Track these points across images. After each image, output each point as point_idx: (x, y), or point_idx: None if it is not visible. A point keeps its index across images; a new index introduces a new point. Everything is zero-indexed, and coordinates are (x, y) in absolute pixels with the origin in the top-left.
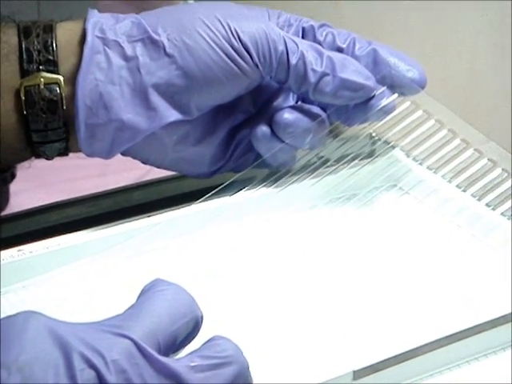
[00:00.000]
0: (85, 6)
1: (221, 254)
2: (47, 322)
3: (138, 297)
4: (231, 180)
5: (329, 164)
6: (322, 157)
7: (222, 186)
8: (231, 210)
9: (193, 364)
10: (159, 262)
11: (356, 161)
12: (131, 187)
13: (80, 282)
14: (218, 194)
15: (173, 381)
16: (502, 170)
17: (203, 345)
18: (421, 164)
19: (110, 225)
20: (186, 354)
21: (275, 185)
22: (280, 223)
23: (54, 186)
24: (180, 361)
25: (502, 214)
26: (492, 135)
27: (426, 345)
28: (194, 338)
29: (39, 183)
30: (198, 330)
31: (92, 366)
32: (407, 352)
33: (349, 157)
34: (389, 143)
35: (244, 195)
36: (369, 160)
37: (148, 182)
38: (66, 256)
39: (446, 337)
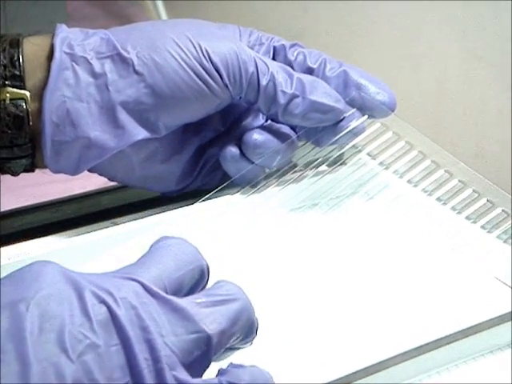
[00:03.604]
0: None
1: None
2: (61, 268)
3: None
4: (216, 190)
5: (296, 169)
6: (291, 162)
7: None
8: (199, 216)
9: (198, 301)
10: None
11: (324, 166)
12: (98, 192)
13: None
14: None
15: (179, 314)
16: (473, 191)
17: (209, 287)
18: (401, 177)
19: (77, 230)
20: (192, 295)
21: (243, 190)
22: (249, 229)
23: (18, 190)
24: (185, 298)
25: (482, 226)
26: (463, 141)
27: (416, 348)
28: (202, 287)
29: (3, 188)
30: (205, 280)
31: (103, 302)
32: (397, 356)
33: (317, 161)
34: (357, 149)
35: (218, 200)
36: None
37: (115, 187)
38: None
39: (429, 343)
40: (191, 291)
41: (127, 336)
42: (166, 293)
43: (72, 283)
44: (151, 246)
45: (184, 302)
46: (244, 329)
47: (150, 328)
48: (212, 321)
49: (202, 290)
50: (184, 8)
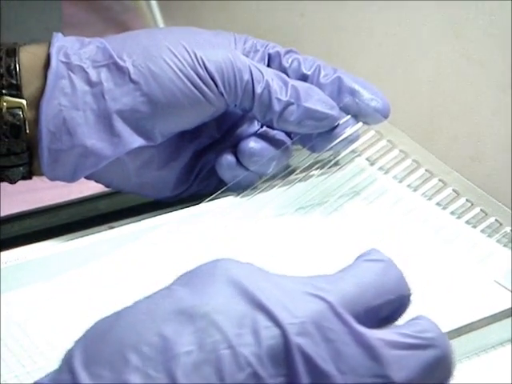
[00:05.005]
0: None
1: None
2: (241, 274)
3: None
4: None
5: (295, 173)
6: (289, 166)
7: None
8: (197, 220)
9: (390, 339)
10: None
11: (322, 170)
12: (95, 197)
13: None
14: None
15: (366, 352)
16: (466, 200)
17: (405, 323)
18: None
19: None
20: (384, 329)
21: (242, 194)
22: (247, 232)
23: (16, 196)
24: (377, 333)
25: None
26: (457, 144)
27: None
28: (397, 318)
29: (1, 194)
30: (404, 311)
31: (278, 324)
32: None
33: (315, 166)
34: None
35: (212, 205)
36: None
37: (112, 192)
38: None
39: None
40: (384, 320)
41: (296, 370)
42: (358, 320)
43: (247, 295)
44: (357, 258)
45: (374, 338)
46: (437, 381)
47: (327, 361)
48: (401, 367)
49: (395, 319)
50: (180, 13)
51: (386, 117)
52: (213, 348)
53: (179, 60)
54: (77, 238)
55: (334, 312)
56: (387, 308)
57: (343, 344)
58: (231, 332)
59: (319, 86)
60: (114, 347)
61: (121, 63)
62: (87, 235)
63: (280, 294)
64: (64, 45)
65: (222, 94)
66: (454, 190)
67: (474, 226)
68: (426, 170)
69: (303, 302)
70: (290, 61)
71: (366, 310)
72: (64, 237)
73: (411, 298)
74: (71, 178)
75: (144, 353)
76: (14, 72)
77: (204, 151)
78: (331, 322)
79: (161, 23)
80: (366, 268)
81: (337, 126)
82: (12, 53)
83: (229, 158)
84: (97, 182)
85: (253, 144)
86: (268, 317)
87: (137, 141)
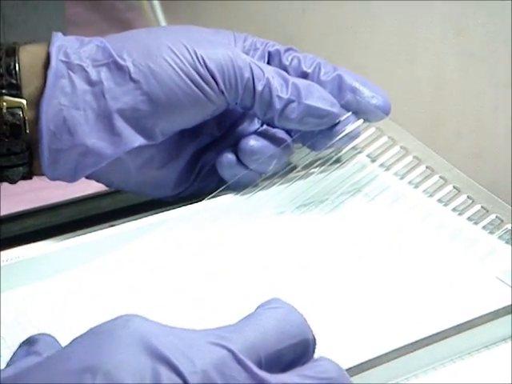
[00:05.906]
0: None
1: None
2: (142, 329)
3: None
4: (212, 195)
5: (296, 170)
6: (290, 163)
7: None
8: (197, 218)
9: (291, 382)
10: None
11: (323, 167)
12: (97, 195)
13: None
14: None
15: None
16: (467, 197)
17: (307, 364)
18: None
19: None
20: (287, 373)
21: (242, 192)
22: (247, 230)
23: (18, 196)
24: (278, 377)
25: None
26: (459, 140)
27: (418, 341)
28: (303, 362)
29: (3, 194)
30: (309, 355)
31: (179, 374)
32: (397, 349)
33: (316, 163)
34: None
35: (212, 203)
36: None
37: (114, 191)
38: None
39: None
40: (290, 364)
41: None
42: (260, 367)
43: (148, 349)
44: (257, 308)
45: (276, 382)
46: None
47: None
48: None
49: (302, 363)
50: (182, 12)
51: (386, 114)
52: None
53: (179, 58)
54: (78, 236)
55: (235, 359)
56: (291, 352)
57: None
58: None
59: (320, 83)
60: None
61: (121, 62)
62: (88, 233)
63: (182, 345)
64: (64, 44)
65: (223, 92)
66: (454, 187)
67: (476, 223)
68: (426, 167)
69: (205, 351)
70: (290, 59)
71: (268, 355)
72: (65, 235)
73: (315, 341)
74: (72, 177)
75: None
76: (13, 72)
77: (204, 150)
78: (233, 368)
79: (163, 22)
80: (267, 315)
81: (337, 123)
82: (12, 52)
83: (229, 157)
84: (97, 181)
85: (253, 142)
86: (169, 368)
87: (137, 140)
